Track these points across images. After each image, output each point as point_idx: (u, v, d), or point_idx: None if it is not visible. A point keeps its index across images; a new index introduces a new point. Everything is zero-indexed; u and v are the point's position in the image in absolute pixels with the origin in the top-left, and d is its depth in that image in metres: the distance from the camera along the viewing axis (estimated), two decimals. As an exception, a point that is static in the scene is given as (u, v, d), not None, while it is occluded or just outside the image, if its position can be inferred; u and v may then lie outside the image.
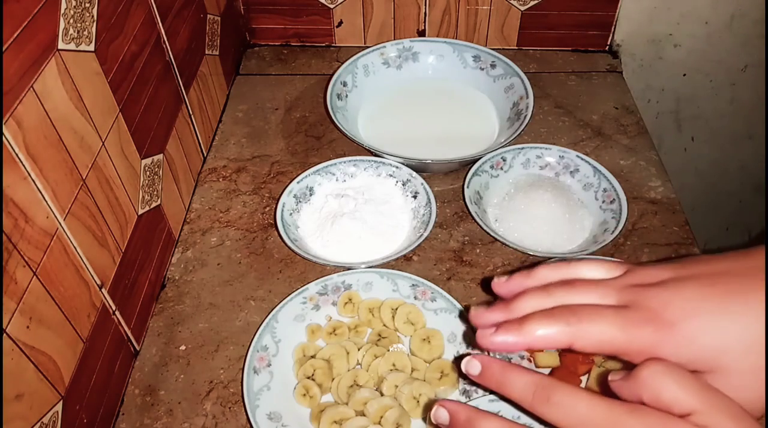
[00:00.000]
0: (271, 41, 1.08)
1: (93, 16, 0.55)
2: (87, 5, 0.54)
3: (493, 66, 0.91)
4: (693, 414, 0.30)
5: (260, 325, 0.65)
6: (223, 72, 0.96)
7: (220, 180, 0.85)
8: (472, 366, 0.38)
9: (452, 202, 0.81)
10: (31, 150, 0.47)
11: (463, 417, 0.36)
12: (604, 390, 0.53)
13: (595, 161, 0.79)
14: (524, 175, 0.81)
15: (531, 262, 0.72)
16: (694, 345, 0.34)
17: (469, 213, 0.74)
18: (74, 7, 0.52)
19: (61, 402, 0.52)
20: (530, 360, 0.64)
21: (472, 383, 0.61)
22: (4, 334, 0.44)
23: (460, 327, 0.65)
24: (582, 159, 0.79)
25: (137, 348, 0.67)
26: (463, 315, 0.65)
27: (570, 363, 0.63)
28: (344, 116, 0.86)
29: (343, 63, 0.90)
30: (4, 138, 0.43)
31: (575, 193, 0.79)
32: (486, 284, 0.72)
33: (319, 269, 0.73)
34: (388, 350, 0.64)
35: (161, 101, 0.72)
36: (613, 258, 0.36)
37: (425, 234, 0.71)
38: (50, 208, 0.49)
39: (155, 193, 0.71)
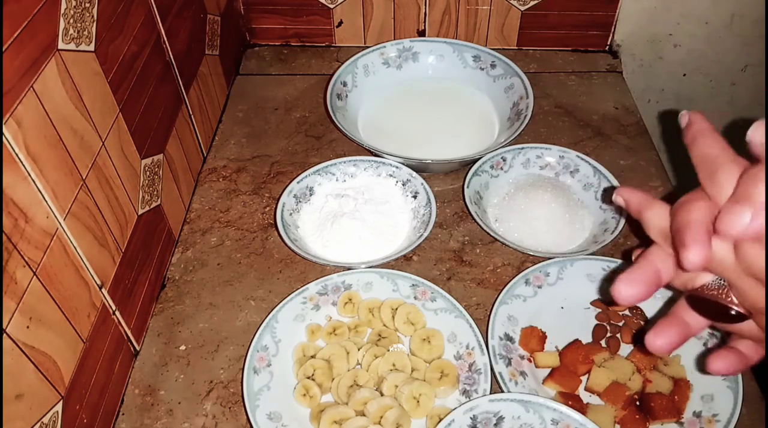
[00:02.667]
0: (271, 41, 1.08)
1: (93, 16, 0.55)
2: (87, 5, 0.54)
3: (493, 66, 0.91)
4: None
5: (260, 325, 0.65)
6: (223, 72, 0.96)
7: (220, 180, 0.85)
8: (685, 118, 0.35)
9: (452, 201, 0.81)
10: (31, 150, 0.47)
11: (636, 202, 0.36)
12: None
13: (595, 161, 0.79)
14: (524, 175, 0.81)
15: (531, 262, 0.72)
16: None
17: (469, 213, 0.74)
18: (74, 7, 0.52)
19: (61, 402, 0.52)
20: (530, 360, 0.64)
21: (472, 384, 0.61)
22: (4, 334, 0.44)
23: (460, 327, 0.65)
24: (582, 159, 0.79)
25: (137, 348, 0.67)
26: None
27: (570, 363, 0.63)
28: (344, 116, 0.86)
29: (343, 63, 0.90)
30: (4, 138, 0.43)
31: (575, 193, 0.79)
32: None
33: (319, 269, 0.73)
34: (388, 350, 0.64)
35: (161, 101, 0.72)
36: None
37: (425, 234, 0.71)
38: (50, 207, 0.49)
39: (155, 193, 0.71)
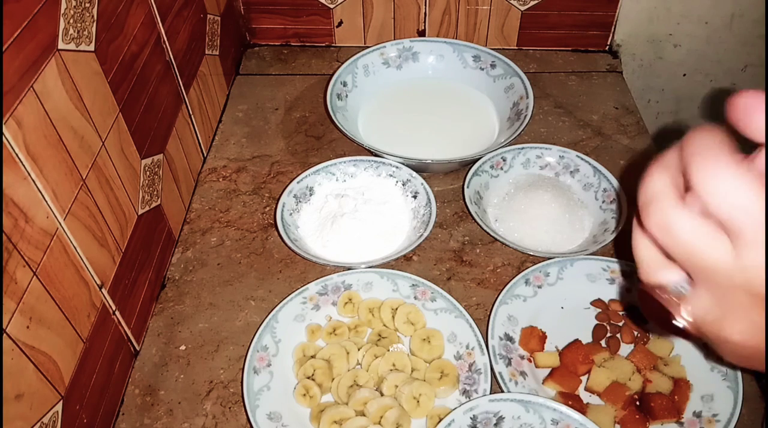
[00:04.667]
0: (271, 41, 1.08)
1: (93, 16, 0.55)
2: (87, 5, 0.54)
3: (493, 66, 0.91)
4: None
5: (260, 325, 0.65)
6: (223, 72, 0.96)
7: (220, 180, 0.85)
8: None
9: (452, 202, 0.81)
10: (31, 150, 0.47)
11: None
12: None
13: (595, 161, 0.79)
14: (524, 175, 0.81)
15: (531, 262, 0.72)
16: None
17: (469, 213, 0.74)
18: (74, 7, 0.52)
19: (61, 402, 0.52)
20: (530, 360, 0.64)
21: (473, 383, 0.61)
22: (4, 334, 0.44)
23: (460, 327, 0.65)
24: (582, 159, 0.79)
25: (137, 348, 0.67)
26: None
27: (570, 363, 0.63)
28: (344, 116, 0.86)
29: (343, 63, 0.90)
30: (4, 138, 0.43)
31: (575, 193, 0.79)
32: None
33: (319, 269, 0.73)
34: (388, 350, 0.64)
35: (161, 101, 0.72)
36: None
37: (425, 234, 0.71)
38: (50, 208, 0.49)
39: (155, 193, 0.71)
